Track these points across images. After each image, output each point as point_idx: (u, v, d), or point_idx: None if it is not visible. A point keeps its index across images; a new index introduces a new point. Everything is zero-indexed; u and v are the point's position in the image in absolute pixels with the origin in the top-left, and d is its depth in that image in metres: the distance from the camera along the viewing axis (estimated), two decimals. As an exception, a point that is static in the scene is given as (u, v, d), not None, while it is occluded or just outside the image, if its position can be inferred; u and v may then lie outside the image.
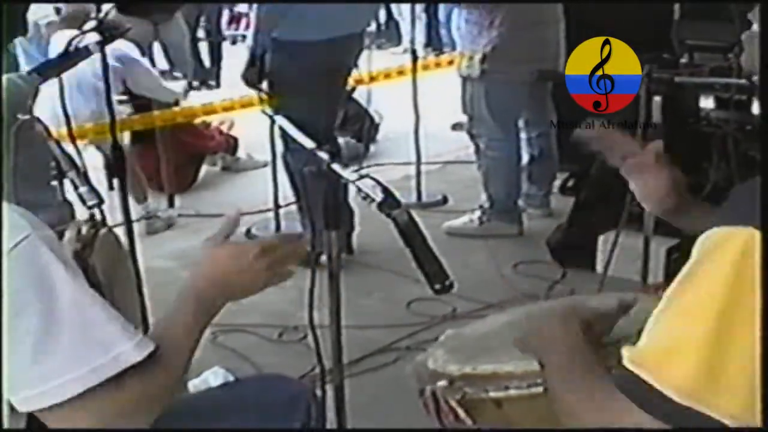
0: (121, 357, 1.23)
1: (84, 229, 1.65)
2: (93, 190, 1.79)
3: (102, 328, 1.24)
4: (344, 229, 3.81)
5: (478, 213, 4.52)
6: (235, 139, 6.13)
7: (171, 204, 5.24)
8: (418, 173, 5.13)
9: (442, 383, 1.54)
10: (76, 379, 1.20)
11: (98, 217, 1.84)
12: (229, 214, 1.52)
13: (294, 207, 4.46)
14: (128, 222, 2.82)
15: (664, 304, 1.11)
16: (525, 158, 4.63)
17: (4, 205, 1.25)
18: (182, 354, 1.37)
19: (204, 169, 5.93)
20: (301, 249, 1.54)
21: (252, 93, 4.28)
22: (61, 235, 1.59)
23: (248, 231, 4.64)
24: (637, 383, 1.08)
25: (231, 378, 3.00)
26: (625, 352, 1.12)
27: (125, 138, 5.05)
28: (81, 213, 2.21)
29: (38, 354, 1.19)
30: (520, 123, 4.55)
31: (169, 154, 5.29)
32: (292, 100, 3.74)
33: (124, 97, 4.99)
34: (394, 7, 10.61)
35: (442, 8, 10.14)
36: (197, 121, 5.77)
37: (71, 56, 2.20)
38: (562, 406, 1.24)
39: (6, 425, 1.24)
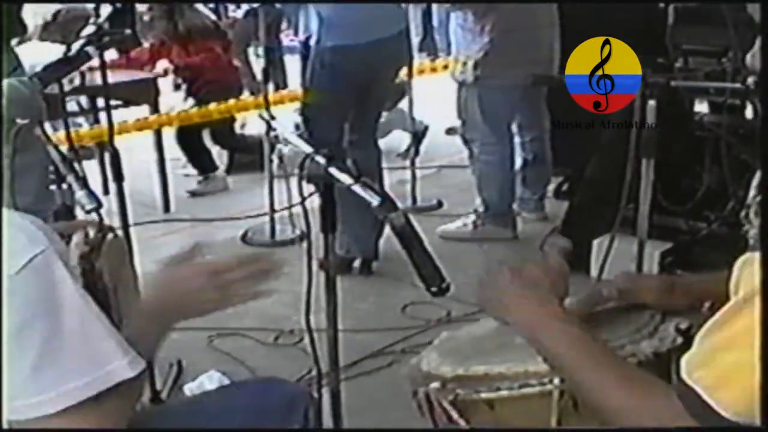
0: (116, 372, 1.24)
1: (92, 233, 1.65)
2: (91, 194, 1.80)
3: (100, 343, 1.25)
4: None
5: (472, 217, 4.53)
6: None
7: (167, 209, 5.25)
8: (413, 177, 5.14)
9: (435, 385, 1.56)
10: (71, 390, 1.21)
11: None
12: (189, 244, 1.54)
13: (287, 212, 4.47)
14: (125, 226, 2.83)
15: (720, 320, 1.16)
16: (519, 162, 4.64)
17: (18, 215, 1.26)
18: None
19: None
20: (267, 268, 1.52)
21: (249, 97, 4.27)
22: (67, 240, 1.60)
23: (245, 235, 4.66)
24: (693, 395, 1.16)
25: (226, 381, 3.00)
26: (683, 364, 1.20)
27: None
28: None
29: (38, 366, 1.19)
30: (514, 127, 4.56)
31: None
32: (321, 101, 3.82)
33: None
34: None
35: (435, 13, 10.17)
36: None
37: (71, 61, 2.21)
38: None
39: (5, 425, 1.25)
